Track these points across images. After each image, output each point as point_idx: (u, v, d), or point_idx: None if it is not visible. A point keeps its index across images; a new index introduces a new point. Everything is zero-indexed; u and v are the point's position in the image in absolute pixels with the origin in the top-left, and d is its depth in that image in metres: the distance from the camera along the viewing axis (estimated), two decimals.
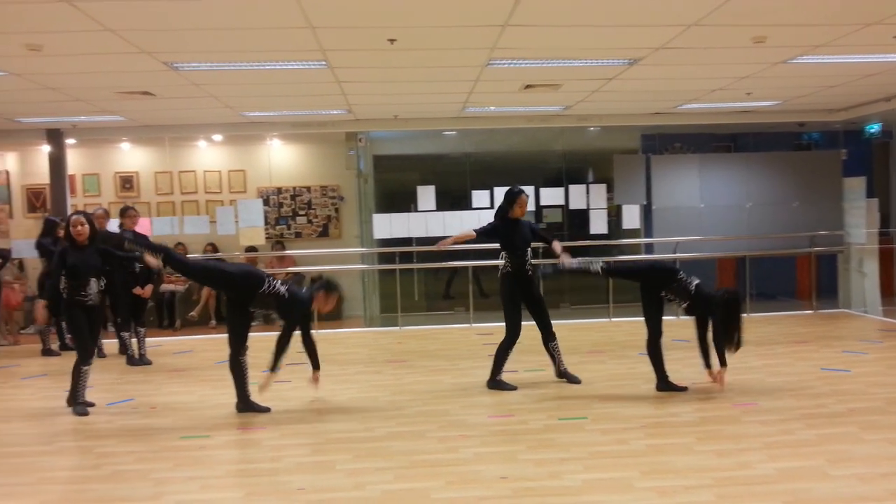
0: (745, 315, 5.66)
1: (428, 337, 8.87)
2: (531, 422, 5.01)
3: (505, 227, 5.98)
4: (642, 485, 3.85)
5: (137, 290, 7.43)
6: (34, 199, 11.03)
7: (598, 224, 10.26)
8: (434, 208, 10.04)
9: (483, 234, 6.02)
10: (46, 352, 8.16)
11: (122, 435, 5.07)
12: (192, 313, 10.31)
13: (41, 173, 10.56)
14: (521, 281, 5.92)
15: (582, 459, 4.23)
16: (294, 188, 11.29)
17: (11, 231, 10.68)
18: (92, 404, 5.68)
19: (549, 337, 6.11)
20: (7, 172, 10.88)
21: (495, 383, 5.94)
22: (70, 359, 5.84)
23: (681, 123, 10.32)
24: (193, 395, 6.19)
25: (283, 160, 11.26)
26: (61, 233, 8.16)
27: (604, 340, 8.14)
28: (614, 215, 10.50)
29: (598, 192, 10.32)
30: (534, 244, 6.19)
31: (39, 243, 8.16)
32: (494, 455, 4.39)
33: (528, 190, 10.07)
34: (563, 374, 6.17)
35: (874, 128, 10.53)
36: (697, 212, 10.42)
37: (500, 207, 6.10)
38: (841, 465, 3.97)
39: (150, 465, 4.41)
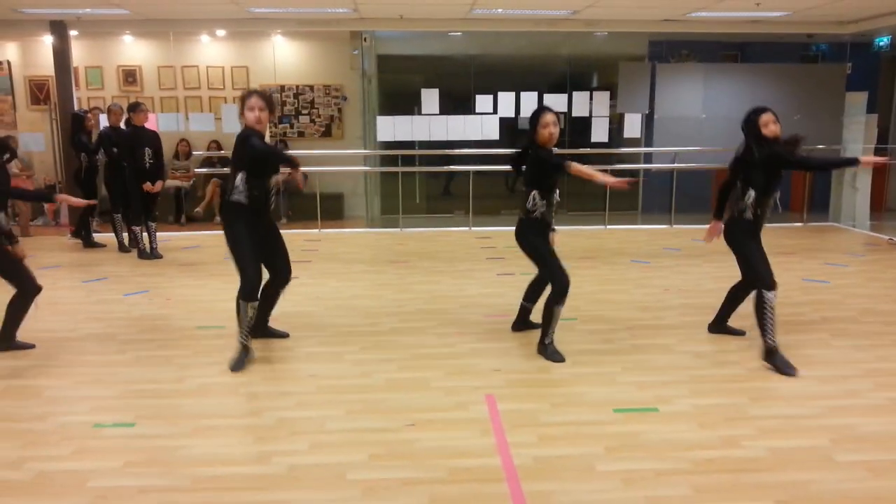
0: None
1: (428, 239, 9.16)
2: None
3: (534, 158, 4.65)
4: (624, 379, 4.22)
5: (147, 186, 7.64)
6: (37, 90, 11.05)
7: (600, 132, 10.34)
8: (437, 112, 10.10)
9: (510, 160, 4.96)
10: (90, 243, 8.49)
11: (142, 323, 5.43)
12: (197, 209, 10.55)
13: (44, 64, 10.53)
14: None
15: (570, 355, 4.58)
16: (297, 87, 11.29)
17: (18, 123, 10.77)
18: None
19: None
20: (9, 63, 10.84)
21: (545, 349, 4.60)
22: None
23: (689, 31, 10.22)
24: (205, 288, 6.52)
25: (286, 58, 11.20)
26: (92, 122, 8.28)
27: (596, 247, 8.46)
28: (616, 123, 10.58)
29: (602, 100, 10.35)
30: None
31: (78, 140, 8.29)
32: (489, 350, 4.74)
33: (531, 96, 10.30)
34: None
35: (884, 40, 10.45)
36: (699, 122, 10.50)
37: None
38: (806, 367, 4.32)
39: (172, 351, 4.77)
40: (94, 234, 8.65)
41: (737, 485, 3.03)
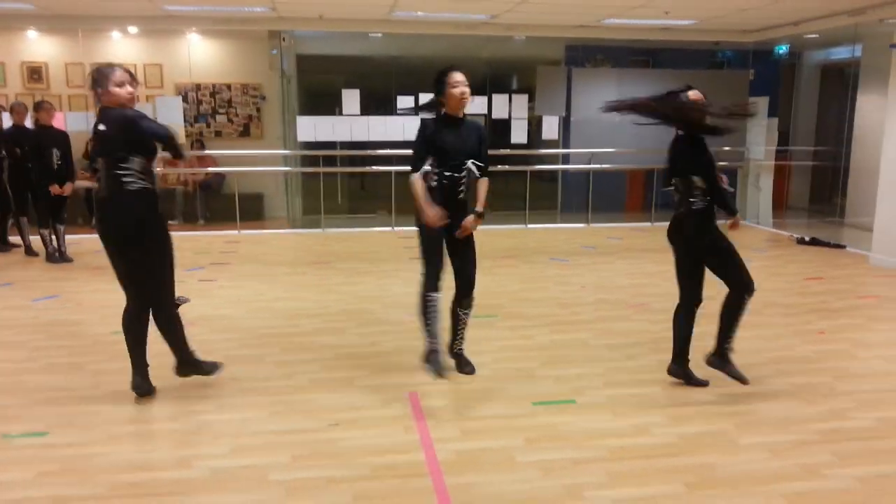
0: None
1: (351, 239, 9.15)
2: (445, 321, 5.43)
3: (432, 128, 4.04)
4: (543, 373, 4.36)
5: (55, 189, 7.34)
6: None
7: (519, 134, 10.57)
8: (359, 112, 10.10)
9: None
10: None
11: (52, 329, 5.22)
12: None
13: None
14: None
15: (490, 352, 4.69)
16: (213, 85, 11.05)
17: None
18: None
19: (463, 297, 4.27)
20: None
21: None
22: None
23: (603, 37, 10.59)
24: (118, 292, 6.30)
25: (202, 56, 10.95)
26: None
27: (517, 246, 8.65)
28: (535, 126, 10.83)
29: (520, 102, 10.58)
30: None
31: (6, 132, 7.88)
32: (412, 348, 4.77)
33: None
34: (457, 357, 4.38)
35: (783, 49, 11.10)
36: (613, 125, 10.86)
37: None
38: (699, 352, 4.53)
39: (85, 357, 4.62)
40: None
41: (649, 469, 3.19)
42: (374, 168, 10.44)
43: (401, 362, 4.52)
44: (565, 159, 11.10)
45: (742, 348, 4.82)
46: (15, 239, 8.20)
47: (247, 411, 3.78)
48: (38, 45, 10.60)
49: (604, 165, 10.54)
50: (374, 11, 9.03)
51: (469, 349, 4.67)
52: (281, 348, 4.81)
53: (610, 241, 9.06)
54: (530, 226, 10.08)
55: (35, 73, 10.66)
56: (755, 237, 9.43)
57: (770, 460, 3.28)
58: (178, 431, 3.57)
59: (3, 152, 7.77)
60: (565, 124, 10.79)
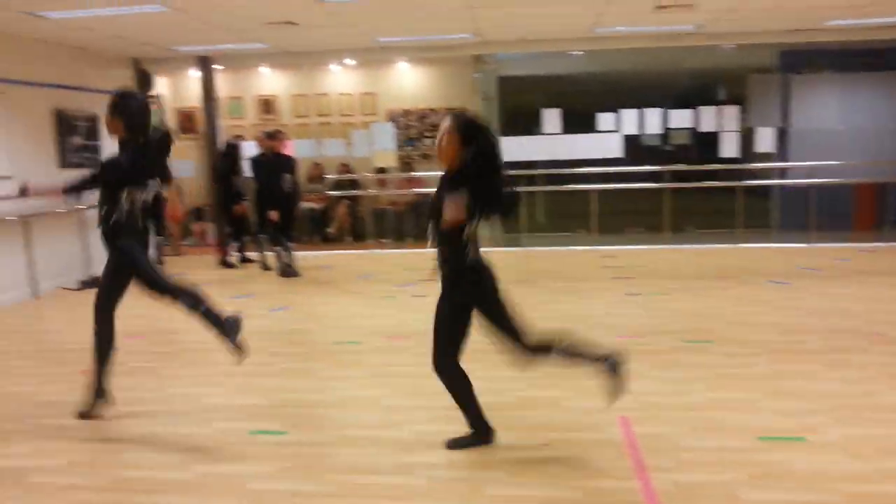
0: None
1: (551, 258, 9.17)
2: (657, 343, 5.27)
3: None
4: (766, 405, 4.06)
5: (273, 216, 8.05)
6: (186, 121, 11.99)
7: (729, 147, 10.01)
8: (559, 131, 10.13)
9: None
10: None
11: (286, 337, 5.77)
12: (330, 229, 11.08)
13: (190, 97, 11.44)
14: None
15: (707, 379, 4.47)
16: (421, 110, 11.64)
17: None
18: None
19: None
20: (161, 96, 11.84)
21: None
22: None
23: (823, 40, 9.75)
24: (338, 305, 6.84)
25: (410, 83, 11.60)
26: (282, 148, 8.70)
27: (728, 266, 8.17)
28: (747, 138, 10.21)
29: (730, 114, 10.02)
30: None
31: (229, 168, 8.95)
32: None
33: (655, 112, 10.11)
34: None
35: None
36: (837, 134, 9.96)
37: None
38: None
39: (314, 363, 5.05)
40: (235, 256, 9.23)
41: None
42: (573, 186, 10.40)
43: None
44: (781, 173, 10.32)
45: None
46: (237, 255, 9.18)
47: (459, 425, 3.91)
48: (269, 80, 11.83)
49: (828, 179, 9.64)
50: (576, 30, 9.03)
51: (682, 375, 4.50)
52: (489, 364, 4.91)
53: (837, 262, 8.27)
54: (742, 245, 9.48)
55: (267, 105, 11.89)
56: None
57: None
58: (401, 441, 3.77)
59: (252, 176, 8.67)
60: (782, 135, 10.04)
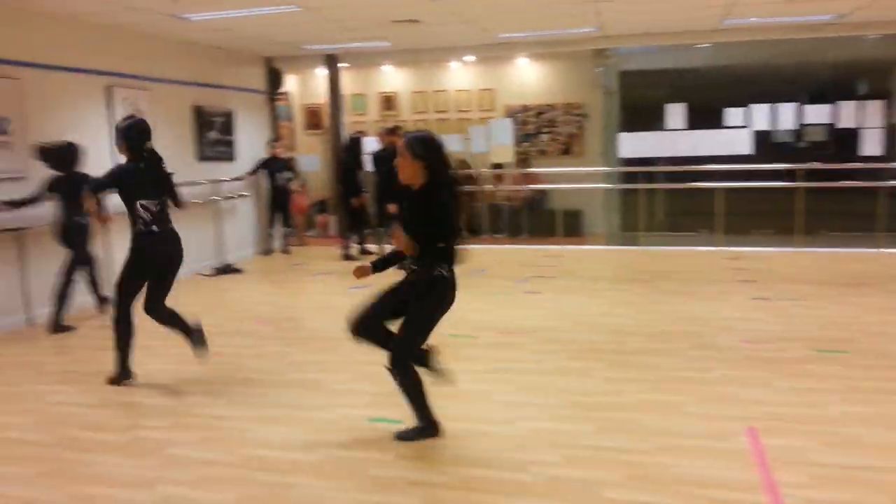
0: None
1: (671, 258, 8.88)
2: (787, 351, 5.00)
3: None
4: None
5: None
6: (312, 117, 12.48)
7: (870, 145, 9.33)
8: (683, 126, 9.78)
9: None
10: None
11: None
12: None
13: (316, 94, 11.90)
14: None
15: (841, 392, 4.19)
16: (539, 106, 11.56)
17: (297, 146, 12.24)
18: None
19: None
20: (289, 93, 12.38)
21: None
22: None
23: None
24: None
25: (529, 78, 11.54)
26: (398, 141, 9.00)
27: (867, 272, 7.62)
28: (892, 135, 9.48)
29: (872, 109, 9.33)
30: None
31: (353, 160, 9.23)
32: (747, 378, 4.49)
33: (789, 107, 9.56)
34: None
35: None
36: None
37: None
38: None
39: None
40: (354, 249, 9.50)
41: None
42: (697, 184, 10.01)
43: (734, 393, 4.26)
44: None
45: None
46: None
47: (576, 423, 3.88)
48: (391, 77, 12.11)
49: None
50: (704, 22, 8.68)
51: (814, 386, 4.26)
52: (606, 364, 4.84)
53: None
54: (884, 250, 8.81)
55: (388, 101, 12.18)
56: None
57: None
58: (516, 437, 3.77)
59: (373, 170, 8.92)
60: None
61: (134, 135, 4.57)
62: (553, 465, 3.42)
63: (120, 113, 7.42)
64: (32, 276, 6.39)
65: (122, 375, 4.74)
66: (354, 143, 9.32)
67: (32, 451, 3.78)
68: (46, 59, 6.62)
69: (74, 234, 6.03)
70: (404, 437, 3.76)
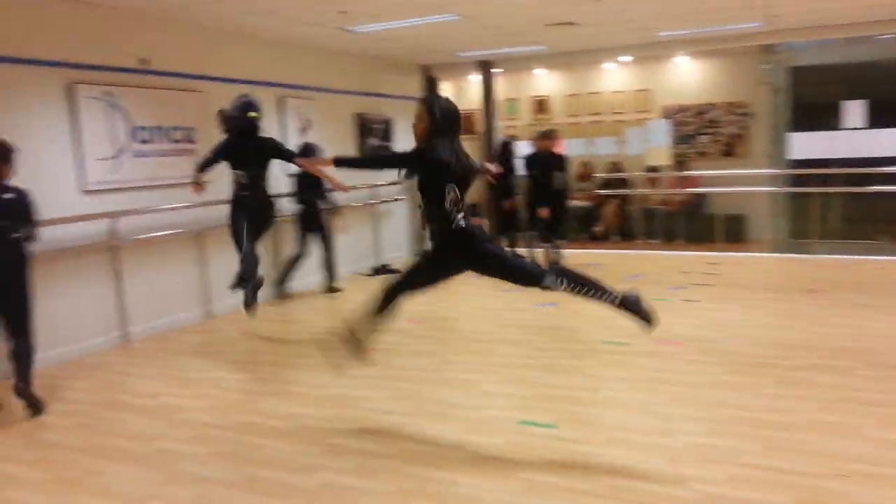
0: None
1: (849, 268, 8.17)
2: None
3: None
4: None
5: (543, 212, 8.13)
6: (465, 122, 12.67)
7: None
8: (863, 125, 8.98)
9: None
10: None
11: (551, 333, 5.86)
12: (598, 227, 11.02)
13: (470, 99, 12.08)
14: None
15: None
16: (699, 106, 11.07)
17: None
18: None
19: None
20: None
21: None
22: None
23: None
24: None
25: (687, 77, 11.08)
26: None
27: None
28: None
29: None
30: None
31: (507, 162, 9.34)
32: None
33: None
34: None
35: None
36: None
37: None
38: None
39: (581, 361, 5.07)
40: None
41: None
42: (877, 188, 9.15)
43: None
44: None
45: None
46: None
47: (738, 440, 3.67)
48: (543, 81, 12.06)
49: None
50: (891, 10, 7.92)
51: None
52: (773, 380, 4.54)
53: None
54: None
55: (540, 105, 12.14)
56: None
57: None
58: (672, 450, 3.63)
59: (526, 174, 8.91)
60: None
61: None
62: (714, 482, 3.25)
63: (292, 120, 7.96)
64: (210, 274, 6.99)
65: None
66: (506, 147, 9.38)
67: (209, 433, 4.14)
68: (227, 73, 7.20)
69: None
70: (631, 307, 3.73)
